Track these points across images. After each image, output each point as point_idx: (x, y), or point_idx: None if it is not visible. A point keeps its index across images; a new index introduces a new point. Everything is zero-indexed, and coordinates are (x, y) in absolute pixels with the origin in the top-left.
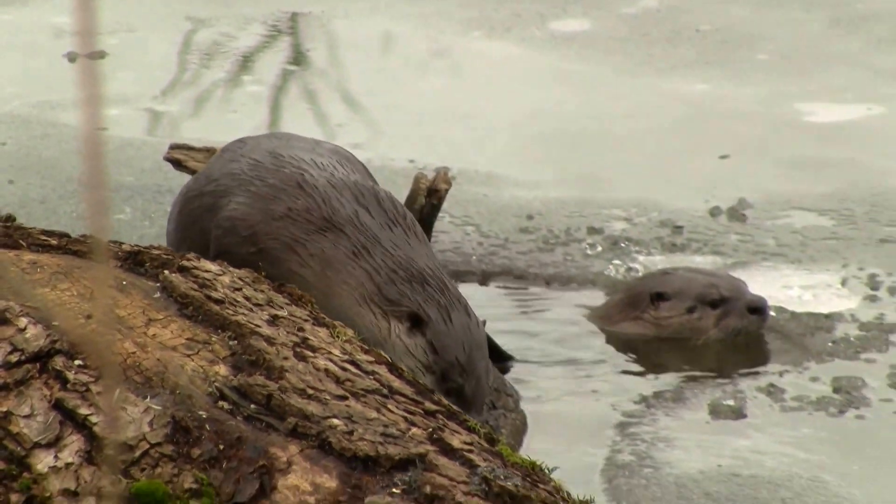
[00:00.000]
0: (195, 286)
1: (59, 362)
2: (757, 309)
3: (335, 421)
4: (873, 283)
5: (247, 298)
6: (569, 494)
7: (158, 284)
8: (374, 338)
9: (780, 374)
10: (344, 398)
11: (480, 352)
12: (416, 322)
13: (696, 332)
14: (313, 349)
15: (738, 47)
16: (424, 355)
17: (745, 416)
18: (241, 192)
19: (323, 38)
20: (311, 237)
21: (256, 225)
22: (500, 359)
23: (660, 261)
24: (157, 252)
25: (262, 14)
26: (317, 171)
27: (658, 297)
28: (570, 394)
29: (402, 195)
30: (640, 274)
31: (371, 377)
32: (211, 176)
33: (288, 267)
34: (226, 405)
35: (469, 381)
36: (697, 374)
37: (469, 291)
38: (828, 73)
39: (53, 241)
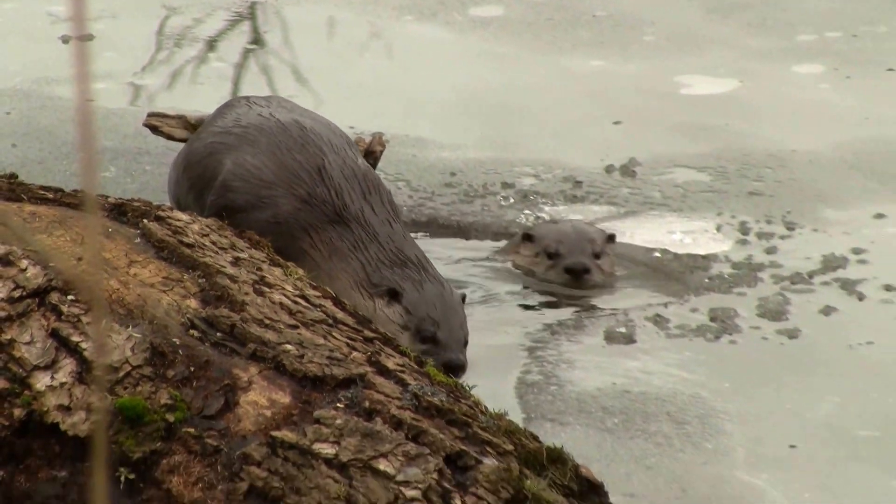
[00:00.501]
0: (170, 233)
1: (54, 297)
2: (570, 271)
3: (288, 346)
4: (743, 228)
5: (213, 243)
6: (486, 408)
7: (139, 231)
8: (366, 315)
9: (665, 305)
10: (296, 327)
11: (454, 311)
12: (393, 294)
13: (537, 274)
14: (270, 286)
15: (628, 30)
16: (400, 318)
17: (635, 342)
18: (266, 152)
19: (277, 23)
20: (324, 226)
21: (279, 198)
22: None
23: (563, 210)
24: (137, 204)
25: (225, 2)
26: (333, 155)
27: (526, 238)
28: (486, 322)
29: None
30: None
31: (318, 309)
32: (240, 121)
33: (300, 245)
34: (196, 333)
35: (441, 329)
36: (594, 305)
37: None
38: (704, 52)
39: (50, 195)
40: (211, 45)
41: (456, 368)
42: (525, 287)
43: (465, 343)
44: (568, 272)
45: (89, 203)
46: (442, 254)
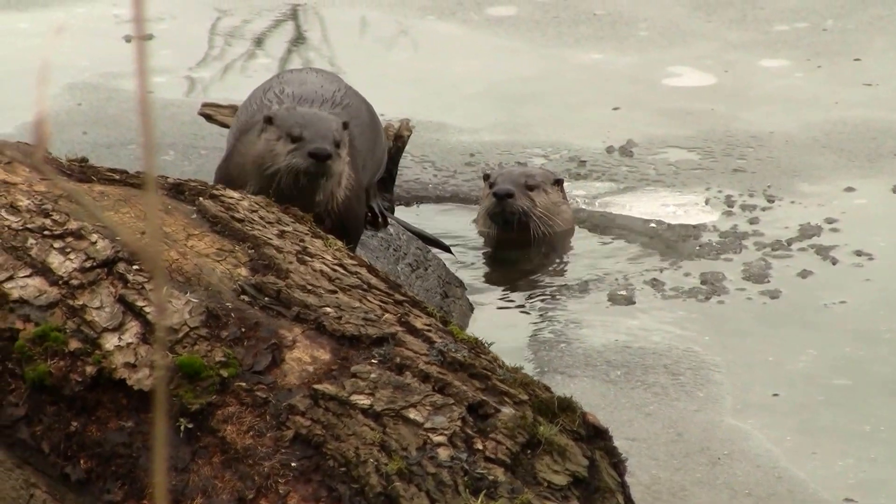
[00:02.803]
0: (222, 209)
1: (121, 267)
2: (496, 195)
3: (328, 309)
4: (729, 202)
5: (261, 218)
6: (503, 363)
7: (195, 208)
8: (263, 155)
9: (661, 270)
10: (334, 292)
11: (321, 120)
12: (268, 120)
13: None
14: (311, 255)
15: (624, 26)
16: (275, 133)
17: (635, 303)
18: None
19: (316, 22)
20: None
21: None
22: (439, 246)
23: (568, 187)
24: (193, 184)
25: (270, 5)
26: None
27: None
28: (502, 286)
29: None
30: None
31: (354, 276)
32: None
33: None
34: (246, 298)
35: (307, 129)
36: (598, 271)
37: (427, 211)
38: (692, 45)
39: (117, 177)
40: (258, 42)
41: (319, 154)
42: (540, 255)
43: (338, 144)
44: (495, 196)
45: (150, 183)
46: (462, 224)
